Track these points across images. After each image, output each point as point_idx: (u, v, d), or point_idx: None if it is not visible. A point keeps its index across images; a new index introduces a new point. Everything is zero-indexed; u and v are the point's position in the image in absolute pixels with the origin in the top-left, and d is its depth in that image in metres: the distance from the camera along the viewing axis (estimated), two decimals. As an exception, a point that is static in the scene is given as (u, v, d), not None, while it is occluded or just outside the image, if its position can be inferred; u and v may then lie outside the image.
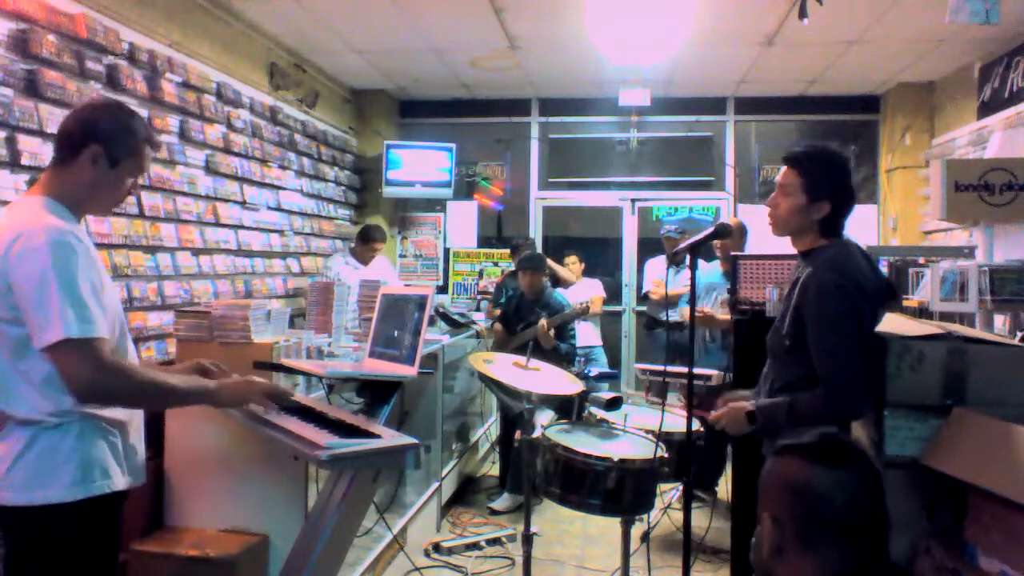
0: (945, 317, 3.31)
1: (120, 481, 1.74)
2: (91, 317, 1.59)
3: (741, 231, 4.58)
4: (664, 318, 5.47)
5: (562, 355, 4.54)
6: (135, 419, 1.84)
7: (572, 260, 6.11)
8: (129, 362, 1.73)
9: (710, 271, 4.63)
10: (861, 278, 2.08)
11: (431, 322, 4.06)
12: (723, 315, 4.30)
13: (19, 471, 1.62)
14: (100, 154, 1.73)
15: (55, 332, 1.55)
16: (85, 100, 1.89)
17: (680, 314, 4.83)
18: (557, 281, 5.88)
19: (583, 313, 4.82)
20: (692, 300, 2.44)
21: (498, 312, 5.23)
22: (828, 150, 2.24)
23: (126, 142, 1.77)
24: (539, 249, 6.84)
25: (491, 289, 6.78)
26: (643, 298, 6.16)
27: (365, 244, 5.70)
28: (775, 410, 2.09)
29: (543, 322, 4.59)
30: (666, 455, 2.64)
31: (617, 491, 2.52)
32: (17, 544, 1.65)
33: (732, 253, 3.85)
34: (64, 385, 1.59)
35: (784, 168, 2.21)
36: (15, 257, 1.59)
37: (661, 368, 4.14)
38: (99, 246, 3.36)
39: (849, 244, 2.20)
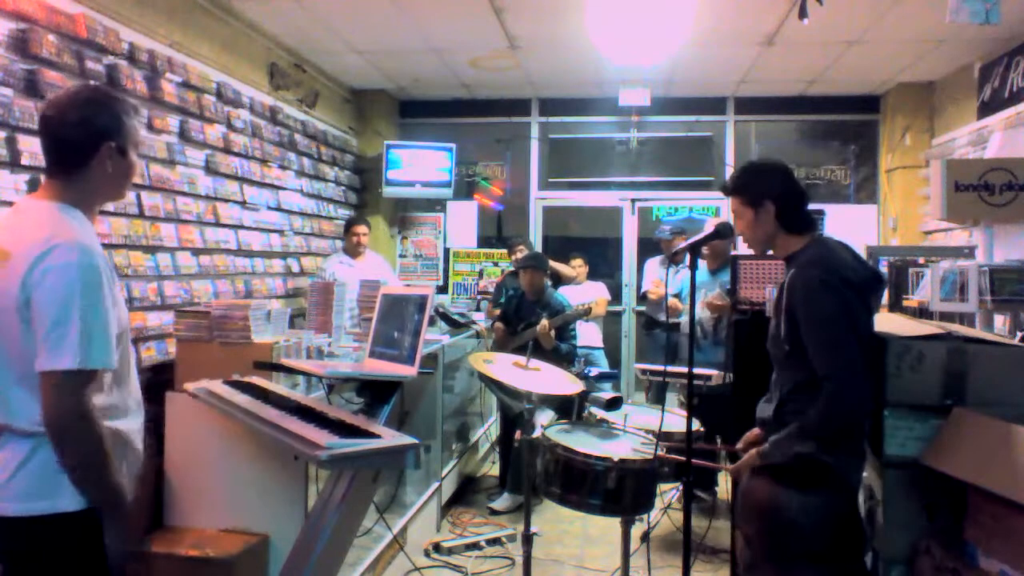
0: (945, 317, 3.31)
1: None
2: (108, 348, 1.58)
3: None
4: (664, 319, 5.47)
5: (562, 355, 4.54)
6: (141, 425, 1.81)
7: (578, 263, 6.15)
8: (102, 426, 1.61)
9: (700, 272, 4.64)
10: (845, 271, 2.09)
11: (431, 322, 4.07)
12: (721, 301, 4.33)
13: (20, 481, 1.59)
14: (113, 149, 1.70)
15: (67, 359, 1.52)
16: (62, 96, 1.78)
17: (674, 306, 4.84)
18: (559, 279, 5.89)
19: (585, 314, 4.82)
20: (692, 300, 2.44)
21: (498, 312, 5.23)
22: (752, 163, 2.40)
23: (127, 128, 1.74)
24: (536, 247, 6.86)
25: (491, 289, 6.78)
26: (643, 298, 6.17)
27: (348, 233, 5.71)
28: (786, 442, 2.08)
29: (544, 322, 4.59)
30: (666, 455, 2.64)
31: (617, 491, 2.52)
32: (18, 557, 1.61)
33: (733, 253, 3.86)
34: (40, 406, 1.55)
35: (730, 200, 2.37)
36: (43, 271, 1.54)
37: (661, 368, 4.14)
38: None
39: (827, 240, 2.25)
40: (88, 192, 1.71)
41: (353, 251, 5.66)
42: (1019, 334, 3.25)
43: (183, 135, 4.17)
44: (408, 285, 6.27)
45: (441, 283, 7.16)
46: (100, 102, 1.73)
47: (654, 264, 5.89)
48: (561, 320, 4.68)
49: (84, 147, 1.68)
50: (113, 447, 1.67)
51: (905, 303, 3.86)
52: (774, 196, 2.25)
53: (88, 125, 1.68)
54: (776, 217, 2.24)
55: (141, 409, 1.84)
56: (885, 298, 3.81)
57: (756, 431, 2.34)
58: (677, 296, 4.89)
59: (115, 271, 1.74)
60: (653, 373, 4.37)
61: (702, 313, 4.56)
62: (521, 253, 5.56)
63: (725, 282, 4.53)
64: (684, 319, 4.65)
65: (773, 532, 1.25)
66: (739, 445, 2.38)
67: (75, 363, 1.53)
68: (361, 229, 5.69)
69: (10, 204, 2.82)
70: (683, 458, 2.34)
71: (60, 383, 1.54)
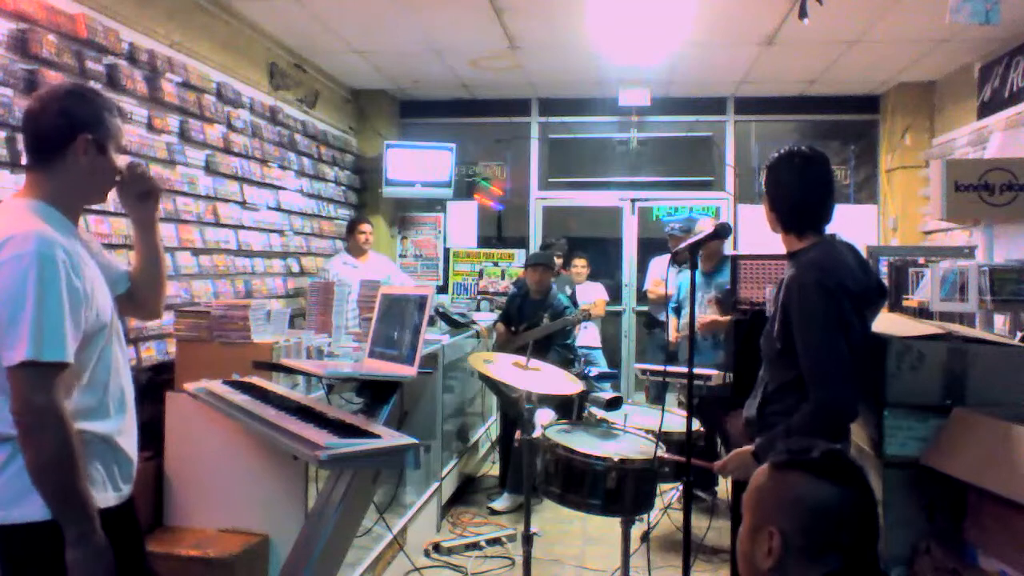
0: (945, 317, 3.31)
1: (108, 497, 1.68)
2: (62, 341, 1.53)
3: None
4: (664, 318, 5.47)
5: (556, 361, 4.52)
6: (127, 427, 1.77)
7: (581, 263, 6.16)
8: (73, 428, 1.56)
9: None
10: (845, 277, 2.06)
11: (431, 322, 4.07)
12: (721, 316, 4.33)
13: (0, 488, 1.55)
14: (90, 142, 1.67)
15: (21, 351, 1.48)
16: (44, 91, 1.75)
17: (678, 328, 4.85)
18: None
19: (585, 318, 4.84)
20: (692, 300, 2.44)
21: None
22: (778, 155, 2.25)
23: (106, 123, 1.72)
24: (538, 247, 6.87)
25: (491, 289, 6.79)
26: (643, 297, 6.18)
27: (351, 234, 5.72)
28: (774, 442, 2.08)
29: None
30: (666, 455, 2.64)
31: (617, 491, 2.52)
32: (3, 564, 1.57)
33: (733, 253, 3.86)
34: (9, 400, 1.51)
35: None
36: None
37: (661, 368, 4.15)
38: (99, 246, 3.36)
39: (835, 243, 2.20)
40: (66, 188, 1.69)
41: (357, 251, 5.66)
42: (1019, 334, 3.25)
43: (183, 135, 4.17)
44: (419, 286, 6.25)
45: (441, 283, 7.16)
46: (81, 95, 1.72)
47: (659, 263, 5.89)
48: (561, 324, 4.69)
49: (61, 136, 1.66)
50: (92, 451, 1.63)
51: (905, 303, 3.85)
52: (769, 192, 2.24)
53: (67, 115, 1.67)
54: (778, 215, 2.22)
55: (126, 411, 1.78)
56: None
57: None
58: (677, 306, 4.88)
59: (91, 267, 1.68)
60: (653, 373, 4.37)
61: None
62: (559, 259, 5.55)
63: (721, 283, 4.54)
64: (683, 323, 4.65)
65: (817, 524, 1.28)
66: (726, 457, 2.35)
67: (28, 355, 1.49)
68: (366, 227, 5.70)
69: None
70: (683, 459, 2.34)
71: (20, 377, 1.50)
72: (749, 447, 2.17)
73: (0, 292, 1.51)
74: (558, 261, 5.58)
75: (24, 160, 1.74)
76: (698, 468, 2.35)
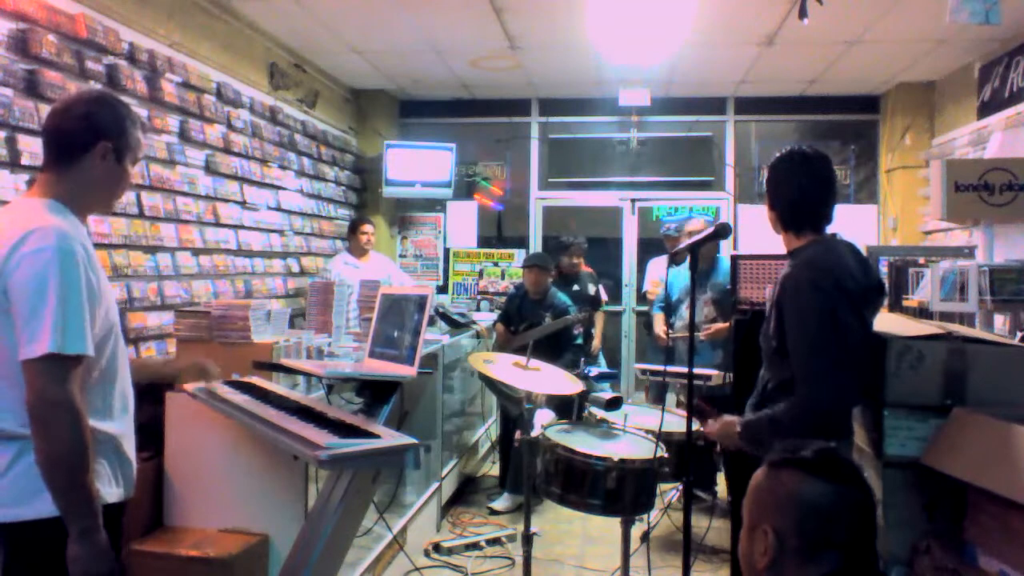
0: (945, 317, 3.31)
1: (112, 493, 1.69)
2: (83, 334, 1.54)
3: None
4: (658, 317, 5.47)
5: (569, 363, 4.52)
6: (128, 430, 1.78)
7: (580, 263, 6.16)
8: (87, 422, 1.57)
9: (686, 273, 4.63)
10: (841, 276, 2.05)
11: (431, 322, 4.06)
12: (720, 320, 4.34)
13: (5, 486, 1.56)
14: (109, 150, 1.69)
15: (44, 344, 1.49)
16: (72, 95, 1.80)
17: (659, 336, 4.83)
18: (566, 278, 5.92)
19: (585, 319, 4.84)
20: (692, 300, 2.44)
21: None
22: (779, 154, 2.28)
23: (128, 134, 1.73)
24: (536, 247, 6.86)
25: (491, 289, 6.78)
26: (643, 297, 6.17)
27: (353, 234, 5.76)
28: (758, 425, 2.11)
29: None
30: (666, 455, 2.64)
31: (617, 491, 2.52)
32: (9, 562, 1.58)
33: (733, 253, 3.86)
34: (22, 394, 1.51)
35: None
36: (19, 257, 1.52)
37: (661, 368, 4.14)
38: (99, 246, 3.36)
39: (835, 242, 2.20)
40: (78, 190, 1.69)
41: (359, 251, 5.68)
42: (1019, 334, 3.25)
43: (183, 135, 4.17)
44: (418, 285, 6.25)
45: (441, 283, 7.16)
46: (107, 103, 1.74)
47: (658, 263, 5.88)
48: (561, 324, 4.69)
49: (81, 140, 1.68)
50: (98, 448, 1.64)
51: (905, 303, 3.86)
52: (769, 191, 2.26)
53: (89, 120, 1.69)
54: (777, 215, 2.24)
55: (128, 413, 1.79)
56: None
57: None
58: (665, 305, 4.85)
59: (101, 268, 1.70)
60: (653, 373, 4.37)
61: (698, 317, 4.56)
62: (579, 258, 5.55)
63: (717, 283, 4.53)
64: (679, 324, 4.65)
65: (812, 523, 1.28)
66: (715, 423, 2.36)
67: (51, 348, 1.49)
68: (368, 228, 5.72)
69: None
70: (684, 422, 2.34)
71: (40, 370, 1.50)
72: (736, 419, 2.20)
73: (22, 285, 1.52)
74: (576, 261, 5.55)
75: (41, 160, 1.76)
76: (698, 468, 2.35)
